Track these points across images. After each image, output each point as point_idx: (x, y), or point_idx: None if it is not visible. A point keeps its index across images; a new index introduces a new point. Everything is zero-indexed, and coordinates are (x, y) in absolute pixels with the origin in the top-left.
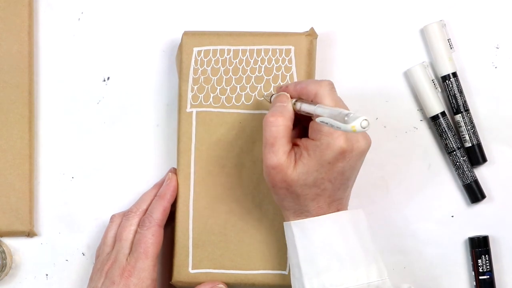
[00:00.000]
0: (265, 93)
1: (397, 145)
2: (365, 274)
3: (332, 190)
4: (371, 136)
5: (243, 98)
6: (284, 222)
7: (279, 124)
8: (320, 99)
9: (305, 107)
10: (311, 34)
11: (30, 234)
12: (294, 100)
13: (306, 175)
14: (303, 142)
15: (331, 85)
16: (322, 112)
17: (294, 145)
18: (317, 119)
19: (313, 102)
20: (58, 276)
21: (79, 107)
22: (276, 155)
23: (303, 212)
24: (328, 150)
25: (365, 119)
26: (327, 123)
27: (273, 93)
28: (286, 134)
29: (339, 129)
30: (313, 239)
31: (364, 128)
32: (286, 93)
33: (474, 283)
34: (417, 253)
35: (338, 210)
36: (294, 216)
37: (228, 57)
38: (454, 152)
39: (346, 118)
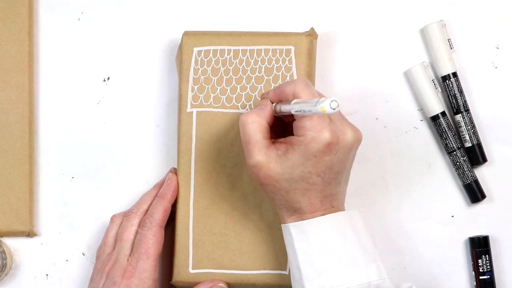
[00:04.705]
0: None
1: (397, 145)
2: (365, 273)
3: (322, 185)
4: (371, 136)
5: (243, 98)
6: (282, 225)
7: (253, 121)
8: (297, 96)
9: (284, 107)
10: (311, 34)
11: (30, 234)
12: (274, 104)
13: (291, 169)
14: (288, 139)
15: (305, 82)
16: (297, 102)
17: (278, 143)
18: (292, 110)
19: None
20: (58, 276)
21: (79, 107)
22: (252, 153)
23: (296, 210)
24: (312, 143)
25: (335, 100)
26: (300, 111)
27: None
28: (260, 131)
29: (310, 112)
30: (312, 240)
31: (333, 109)
32: (265, 98)
33: (475, 283)
34: (417, 253)
35: (332, 207)
36: (288, 215)
37: (228, 57)
38: (454, 152)
39: (317, 102)
